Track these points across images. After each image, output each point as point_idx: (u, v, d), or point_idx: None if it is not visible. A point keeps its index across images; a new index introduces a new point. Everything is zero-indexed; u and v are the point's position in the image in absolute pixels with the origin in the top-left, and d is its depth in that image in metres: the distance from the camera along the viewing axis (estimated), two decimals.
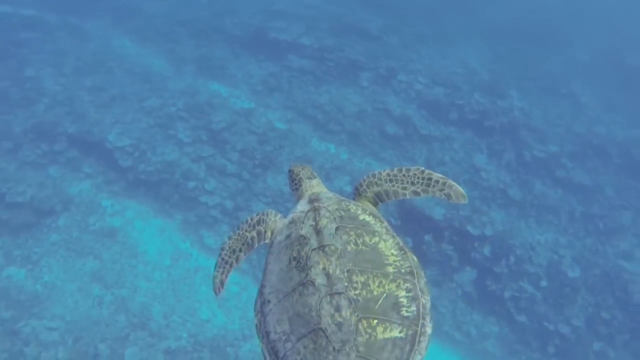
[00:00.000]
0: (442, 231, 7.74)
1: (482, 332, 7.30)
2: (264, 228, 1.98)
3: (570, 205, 8.90)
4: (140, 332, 6.51)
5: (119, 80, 10.35)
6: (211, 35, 12.14)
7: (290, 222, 1.86)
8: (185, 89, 10.21)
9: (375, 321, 1.47)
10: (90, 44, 11.50)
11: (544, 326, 7.18)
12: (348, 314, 1.47)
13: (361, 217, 1.80)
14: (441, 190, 1.92)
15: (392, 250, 1.69)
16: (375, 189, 1.98)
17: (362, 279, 1.55)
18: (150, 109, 9.53)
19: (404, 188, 1.95)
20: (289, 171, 2.15)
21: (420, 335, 1.49)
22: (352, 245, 1.66)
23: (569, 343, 7.11)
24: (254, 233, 1.98)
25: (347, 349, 1.42)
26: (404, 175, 1.96)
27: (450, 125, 9.96)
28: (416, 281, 1.62)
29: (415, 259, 1.72)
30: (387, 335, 1.45)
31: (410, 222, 7.74)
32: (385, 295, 1.53)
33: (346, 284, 1.53)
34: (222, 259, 2.00)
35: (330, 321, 1.46)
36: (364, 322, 1.46)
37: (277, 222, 1.98)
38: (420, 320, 1.52)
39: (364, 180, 2.01)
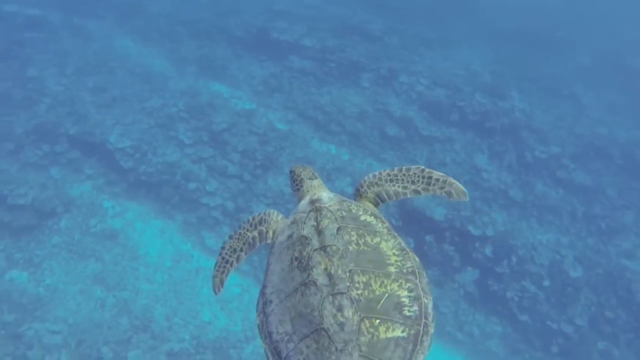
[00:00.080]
0: (443, 232, 7.73)
1: (484, 332, 7.28)
2: (265, 228, 1.98)
3: (571, 206, 8.88)
4: (143, 334, 6.51)
5: (120, 80, 10.38)
6: (213, 35, 12.17)
7: (292, 223, 1.86)
8: (186, 90, 10.23)
9: (378, 321, 1.47)
10: (93, 44, 11.54)
11: (547, 325, 7.15)
12: (350, 313, 1.47)
13: (362, 218, 1.80)
14: (442, 188, 1.92)
15: (394, 251, 1.69)
16: (376, 189, 1.98)
17: (364, 279, 1.55)
18: (151, 109, 9.55)
19: (405, 187, 1.95)
20: (290, 172, 2.15)
21: (422, 335, 1.49)
22: (354, 246, 1.66)
23: (573, 342, 7.08)
24: (255, 233, 1.98)
25: (350, 348, 1.42)
26: (404, 175, 1.96)
27: (452, 127, 9.96)
28: (418, 281, 1.62)
29: (416, 259, 1.72)
30: (389, 335, 1.45)
31: (411, 223, 7.73)
32: (387, 295, 1.53)
33: (348, 284, 1.53)
34: (223, 258, 2.00)
35: (332, 321, 1.46)
36: (367, 321, 1.46)
37: (279, 222, 1.98)
38: (423, 320, 1.52)
39: (365, 181, 2.01)
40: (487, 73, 11.84)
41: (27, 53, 10.74)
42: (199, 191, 8.20)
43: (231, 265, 1.98)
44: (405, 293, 1.56)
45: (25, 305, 6.59)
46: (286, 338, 1.53)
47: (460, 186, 1.92)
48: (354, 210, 1.83)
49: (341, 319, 1.46)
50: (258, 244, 1.98)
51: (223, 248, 2.01)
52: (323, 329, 1.46)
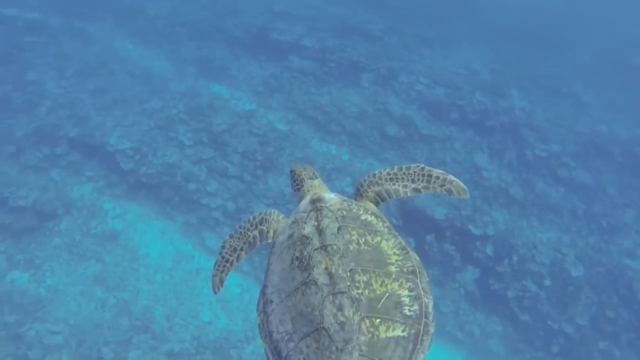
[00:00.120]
0: (444, 231, 7.72)
1: (485, 332, 7.27)
2: (266, 227, 1.97)
3: (572, 204, 8.87)
4: (143, 335, 6.51)
5: (120, 82, 10.39)
6: (213, 36, 12.18)
7: (293, 222, 1.86)
8: (186, 91, 10.24)
9: (378, 320, 1.47)
10: (93, 46, 11.56)
11: (548, 325, 7.14)
12: (351, 313, 1.47)
13: (363, 217, 1.80)
14: (442, 186, 1.92)
15: (395, 250, 1.69)
16: (376, 188, 1.98)
17: (365, 279, 1.55)
18: (151, 111, 9.56)
19: (405, 186, 1.95)
20: (291, 172, 2.15)
21: (423, 334, 1.49)
22: (355, 245, 1.66)
23: (573, 342, 7.07)
24: (256, 232, 1.98)
25: (350, 348, 1.42)
26: (404, 174, 1.96)
27: (452, 125, 9.95)
28: (419, 280, 1.62)
29: (417, 258, 1.72)
30: (389, 335, 1.45)
31: (412, 223, 7.72)
32: (387, 294, 1.53)
33: (349, 283, 1.53)
34: (223, 257, 2.00)
35: (333, 320, 1.46)
36: (367, 321, 1.46)
37: (279, 222, 1.98)
38: (423, 320, 1.52)
39: (365, 181, 2.01)
40: (487, 72, 11.83)
41: (27, 56, 10.76)
42: (199, 192, 8.20)
43: (231, 264, 1.98)
44: (406, 292, 1.56)
45: (26, 306, 6.60)
46: (286, 337, 1.52)
47: (461, 183, 1.92)
48: (354, 210, 1.83)
49: (341, 319, 1.46)
50: (258, 243, 1.98)
51: (223, 247, 2.01)
52: (323, 328, 1.46)
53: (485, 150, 9.59)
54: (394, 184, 1.96)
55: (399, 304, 1.52)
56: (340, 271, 1.56)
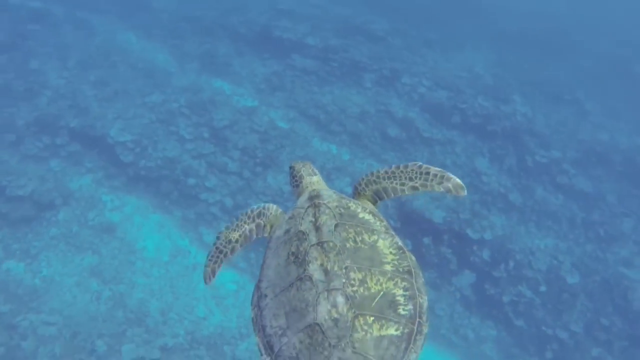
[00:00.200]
0: (441, 234, 7.72)
1: (479, 336, 7.27)
2: (263, 221, 1.97)
3: (571, 212, 8.87)
4: (137, 328, 6.50)
5: (122, 75, 10.37)
6: (216, 32, 12.16)
7: (290, 218, 1.85)
8: (188, 86, 10.22)
9: (372, 318, 1.47)
10: (96, 37, 11.53)
11: (542, 331, 7.15)
12: (345, 310, 1.47)
13: (361, 215, 1.80)
14: (439, 183, 1.92)
15: (391, 249, 1.69)
16: (374, 187, 1.98)
17: (360, 276, 1.55)
18: (152, 104, 9.54)
19: (403, 184, 1.94)
20: (290, 167, 2.15)
21: (416, 334, 1.49)
22: (351, 243, 1.66)
23: (567, 348, 7.08)
24: (253, 225, 1.97)
25: (343, 344, 1.42)
26: (401, 172, 1.96)
27: (453, 129, 9.95)
28: (414, 280, 1.62)
29: (413, 258, 1.72)
30: (383, 333, 1.45)
31: (409, 225, 7.72)
32: (382, 293, 1.53)
33: (344, 280, 1.53)
34: (217, 248, 1.99)
35: (326, 317, 1.46)
36: (361, 318, 1.46)
37: (277, 216, 1.98)
38: (417, 319, 1.52)
39: (363, 179, 2.01)
40: (489, 76, 11.83)
41: (30, 45, 10.73)
42: (198, 187, 8.19)
43: (225, 255, 1.97)
44: (401, 292, 1.56)
45: (21, 296, 6.59)
46: (280, 332, 1.52)
47: (458, 181, 1.91)
48: (352, 208, 1.83)
49: (335, 315, 1.46)
50: (255, 236, 1.97)
51: (218, 238, 2.00)
52: (317, 324, 1.46)
53: (486, 155, 9.60)
54: (391, 183, 1.96)
55: (393, 303, 1.52)
56: (335, 268, 1.56)
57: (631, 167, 9.91)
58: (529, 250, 7.83)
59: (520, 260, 7.63)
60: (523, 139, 9.91)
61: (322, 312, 1.47)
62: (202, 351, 6.43)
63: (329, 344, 1.43)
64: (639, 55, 14.10)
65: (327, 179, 8.11)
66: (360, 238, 1.68)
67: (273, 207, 2.01)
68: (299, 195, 2.04)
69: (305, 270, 1.58)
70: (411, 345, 1.47)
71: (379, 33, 12.52)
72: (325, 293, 1.50)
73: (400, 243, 1.74)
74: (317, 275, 1.55)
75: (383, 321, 1.47)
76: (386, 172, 1.98)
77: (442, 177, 1.92)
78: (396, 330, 1.47)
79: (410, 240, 7.53)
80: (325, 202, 1.83)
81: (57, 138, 8.75)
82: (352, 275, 1.55)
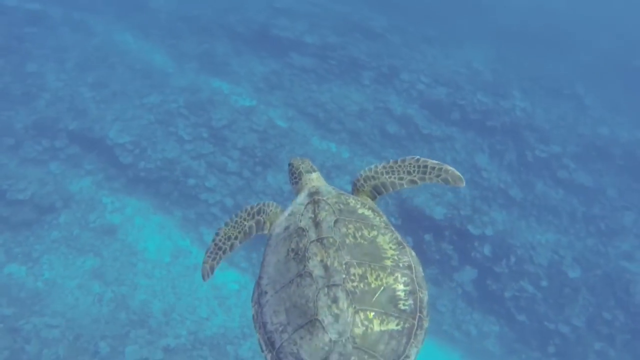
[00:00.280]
0: (442, 231, 7.72)
1: (481, 331, 7.28)
2: (263, 218, 1.97)
3: (571, 206, 8.87)
4: (140, 329, 6.51)
5: (120, 76, 10.35)
6: (214, 31, 12.13)
7: (290, 215, 1.85)
8: (186, 86, 10.21)
9: (372, 314, 1.46)
10: (93, 39, 11.50)
11: (544, 326, 7.15)
12: (345, 305, 1.47)
13: (360, 211, 1.80)
14: (438, 176, 1.92)
15: (391, 245, 1.69)
16: (373, 182, 1.98)
17: (360, 272, 1.55)
18: (151, 105, 9.53)
19: (401, 178, 1.94)
20: (289, 165, 2.15)
21: (417, 329, 1.49)
22: (351, 238, 1.65)
23: (569, 343, 7.08)
24: (252, 222, 1.97)
25: (344, 340, 1.42)
26: (399, 166, 1.96)
27: (452, 125, 9.94)
28: (414, 275, 1.62)
29: (413, 253, 1.72)
30: (383, 328, 1.45)
31: (410, 222, 7.72)
32: (382, 288, 1.53)
33: (344, 276, 1.53)
34: (216, 244, 1.99)
35: (327, 312, 1.46)
36: (361, 314, 1.46)
37: (277, 213, 1.98)
38: (418, 314, 1.52)
39: (361, 175, 2.01)
40: (488, 71, 11.80)
41: (27, 48, 10.71)
42: (198, 187, 8.19)
43: (224, 252, 1.97)
44: (401, 287, 1.56)
45: (24, 300, 6.60)
46: (280, 328, 1.52)
47: (456, 172, 1.91)
48: (351, 204, 1.83)
49: (336, 311, 1.46)
50: (254, 233, 1.97)
51: (217, 235, 2.00)
52: (317, 320, 1.46)
53: (486, 151, 9.58)
54: (390, 177, 1.96)
55: (393, 298, 1.52)
56: (335, 264, 1.56)
57: (631, 161, 9.89)
58: (530, 245, 7.82)
59: (522, 256, 7.63)
60: (523, 134, 9.90)
61: (323, 307, 1.47)
62: (205, 351, 6.44)
63: (330, 340, 1.43)
64: (638, 49, 14.06)
65: (327, 177, 8.10)
66: (359, 234, 1.68)
67: (272, 204, 2.01)
68: (298, 192, 2.04)
69: (305, 266, 1.58)
70: (412, 340, 1.47)
71: (378, 30, 12.49)
72: (326, 289, 1.50)
73: (400, 238, 1.73)
74: (317, 271, 1.55)
75: (384, 316, 1.47)
76: (384, 167, 1.98)
77: (440, 169, 1.91)
78: (397, 325, 1.47)
79: (411, 237, 7.53)
80: (324, 198, 1.83)
81: (56, 141, 8.74)
82: (352, 270, 1.55)
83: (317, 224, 1.70)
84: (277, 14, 12.61)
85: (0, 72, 9.92)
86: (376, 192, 1.98)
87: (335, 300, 1.47)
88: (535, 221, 8.48)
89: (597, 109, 11.54)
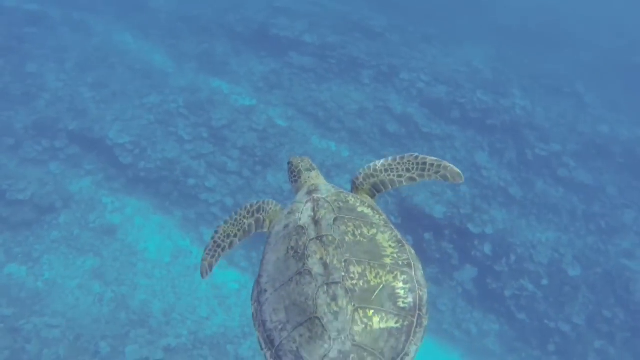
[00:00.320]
0: (442, 229, 7.72)
1: (482, 330, 7.28)
2: (263, 216, 1.97)
3: (572, 204, 8.86)
4: (140, 329, 6.51)
5: (120, 76, 10.35)
6: (214, 31, 12.12)
7: (289, 213, 1.85)
8: (186, 86, 10.21)
9: (372, 311, 1.46)
10: (93, 39, 11.50)
11: (545, 324, 7.15)
12: (344, 303, 1.47)
13: (360, 209, 1.80)
14: (436, 172, 1.92)
15: (390, 243, 1.68)
16: (372, 180, 1.98)
17: (359, 270, 1.55)
18: (150, 105, 9.53)
19: (400, 176, 1.94)
20: (288, 163, 2.15)
21: (416, 327, 1.49)
22: (350, 236, 1.65)
23: (570, 341, 7.08)
24: (252, 220, 1.97)
25: (343, 338, 1.42)
26: (398, 164, 1.96)
27: (452, 124, 9.93)
28: (413, 273, 1.61)
29: (412, 251, 1.72)
30: (383, 326, 1.45)
31: (410, 221, 7.72)
32: (382, 286, 1.53)
33: (343, 274, 1.53)
34: (215, 242, 1.99)
35: (326, 310, 1.46)
36: (361, 312, 1.46)
37: (276, 212, 1.98)
38: (417, 312, 1.52)
39: (360, 173, 2.01)
40: (488, 70, 11.79)
41: (27, 48, 10.70)
42: (198, 187, 8.19)
43: (223, 250, 1.97)
44: (400, 285, 1.55)
45: (24, 300, 6.60)
46: (280, 326, 1.52)
47: (455, 168, 1.91)
48: (351, 202, 1.83)
49: (335, 309, 1.46)
50: (253, 231, 1.97)
51: (216, 232, 2.00)
52: (317, 317, 1.46)
53: (486, 149, 9.58)
54: (389, 175, 1.96)
55: (393, 296, 1.52)
56: (335, 262, 1.56)
57: (631, 159, 9.88)
58: (530, 243, 7.82)
59: (522, 254, 7.63)
60: (523, 133, 9.89)
61: (322, 305, 1.47)
62: (205, 351, 6.45)
63: (329, 337, 1.42)
64: (638, 48, 14.04)
65: (327, 176, 8.04)
66: (359, 232, 1.68)
67: (272, 203, 2.02)
68: (297, 190, 2.04)
69: (304, 264, 1.58)
70: (411, 338, 1.47)
71: (377, 29, 12.47)
72: (325, 287, 1.50)
73: (399, 236, 1.73)
74: (317, 269, 1.55)
75: (383, 314, 1.47)
76: (383, 165, 1.98)
77: (439, 166, 1.91)
78: (396, 322, 1.47)
79: (412, 236, 7.53)
80: (324, 196, 1.83)
81: (56, 141, 8.74)
82: (351, 268, 1.55)
83: (316, 222, 1.70)
84: (276, 13, 12.60)
85: (0, 72, 9.91)
86: (375, 190, 1.98)
87: (334, 298, 1.47)
88: (535, 219, 8.48)
89: (597, 107, 11.53)
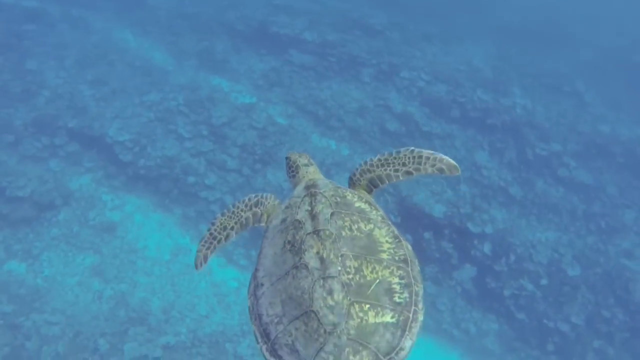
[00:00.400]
0: (442, 229, 7.71)
1: (481, 330, 7.28)
2: (260, 210, 1.97)
3: (572, 204, 8.85)
4: (140, 327, 6.52)
5: (120, 73, 10.34)
6: (214, 29, 12.11)
7: (287, 207, 1.86)
8: (186, 83, 10.20)
9: (367, 306, 1.46)
10: (92, 36, 11.48)
11: (544, 324, 7.15)
12: (340, 297, 1.47)
13: (357, 204, 1.80)
14: (432, 165, 1.91)
15: (387, 238, 1.69)
16: (369, 175, 1.98)
17: (356, 264, 1.55)
18: (150, 103, 9.52)
19: (396, 170, 1.94)
20: (286, 158, 2.15)
21: (412, 322, 1.49)
22: (347, 231, 1.66)
23: (569, 341, 7.08)
24: (249, 214, 1.98)
25: (338, 331, 1.42)
26: (394, 158, 1.96)
27: (452, 123, 9.92)
28: (410, 269, 1.62)
29: (409, 247, 1.72)
30: (378, 320, 1.45)
31: (410, 220, 7.71)
32: (378, 281, 1.53)
33: (339, 268, 1.53)
34: (211, 234, 1.99)
35: (322, 304, 1.46)
36: (356, 306, 1.46)
37: (274, 206, 1.99)
38: (413, 307, 1.52)
39: (357, 169, 2.01)
40: (488, 69, 11.77)
41: (26, 45, 10.69)
42: (197, 185, 8.19)
43: (219, 242, 1.97)
44: (397, 280, 1.55)
45: (24, 297, 6.61)
46: (276, 320, 1.52)
47: (451, 161, 1.90)
48: (348, 197, 1.83)
49: (331, 302, 1.46)
50: (250, 225, 1.97)
51: (213, 224, 2.00)
52: (312, 311, 1.46)
53: (486, 148, 9.57)
54: (385, 170, 1.96)
55: (389, 291, 1.52)
56: (331, 256, 1.56)
57: (632, 159, 9.87)
58: (529, 243, 7.81)
59: (521, 254, 7.62)
60: (523, 132, 9.88)
61: (318, 299, 1.47)
62: (204, 349, 6.45)
63: (325, 331, 1.42)
64: (638, 45, 14.00)
65: (327, 174, 8.02)
66: (356, 226, 1.68)
67: (271, 197, 2.02)
68: (295, 185, 2.05)
69: (301, 258, 1.58)
70: (407, 333, 1.47)
71: (377, 27, 12.45)
72: (321, 281, 1.50)
73: (396, 232, 1.74)
74: (313, 263, 1.55)
75: (379, 308, 1.47)
76: (379, 160, 1.98)
77: (435, 159, 1.91)
78: (392, 317, 1.47)
79: (411, 235, 7.53)
80: (321, 191, 1.83)
81: (56, 138, 8.74)
82: (347, 263, 1.55)
83: (313, 217, 1.70)
84: (276, 11, 12.58)
85: (0, 69, 9.91)
86: (372, 185, 1.98)
87: (330, 292, 1.47)
88: (535, 219, 8.47)
89: (597, 107, 11.51)
